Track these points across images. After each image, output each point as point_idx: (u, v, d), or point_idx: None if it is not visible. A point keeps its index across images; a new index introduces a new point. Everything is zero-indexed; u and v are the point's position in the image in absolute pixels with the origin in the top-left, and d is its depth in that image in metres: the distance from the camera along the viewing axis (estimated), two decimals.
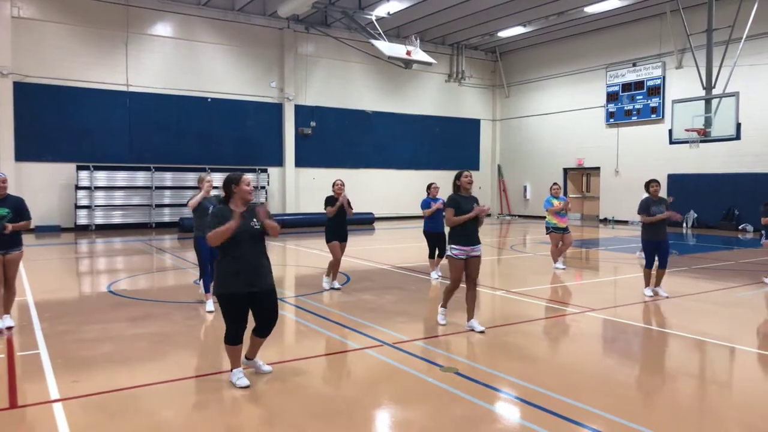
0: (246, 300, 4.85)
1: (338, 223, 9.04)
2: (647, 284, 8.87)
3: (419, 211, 10.54)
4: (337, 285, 9.35)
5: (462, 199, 6.67)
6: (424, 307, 8.35)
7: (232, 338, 4.90)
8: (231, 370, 5.03)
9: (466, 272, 6.71)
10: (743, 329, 7.29)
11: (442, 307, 7.08)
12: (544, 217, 11.83)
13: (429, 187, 10.50)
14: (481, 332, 6.62)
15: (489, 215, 6.75)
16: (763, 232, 10.33)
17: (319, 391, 5.00)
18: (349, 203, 9.02)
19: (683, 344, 6.45)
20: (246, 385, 4.88)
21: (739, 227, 20.03)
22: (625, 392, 4.93)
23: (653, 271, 8.84)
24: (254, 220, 4.95)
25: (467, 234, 6.64)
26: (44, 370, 5.31)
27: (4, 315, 6.82)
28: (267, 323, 5.04)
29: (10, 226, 6.57)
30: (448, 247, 6.75)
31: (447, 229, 6.99)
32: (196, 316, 7.58)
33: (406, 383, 5.10)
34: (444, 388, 4.91)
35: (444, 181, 11.12)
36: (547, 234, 11.79)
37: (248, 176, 5.18)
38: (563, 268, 11.51)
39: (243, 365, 5.13)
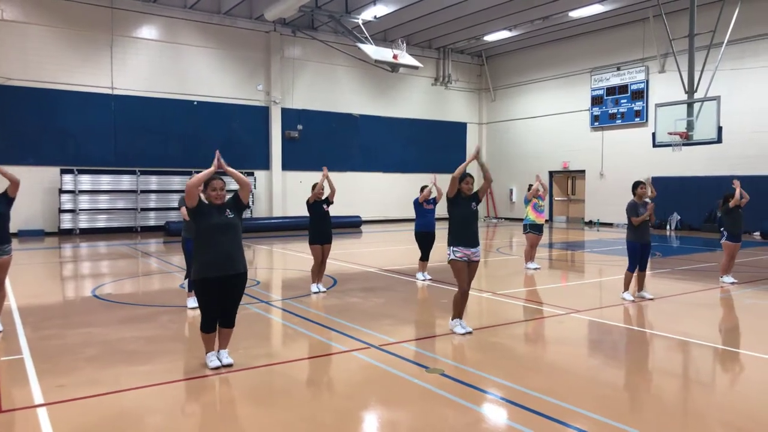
0: (217, 286, 5.25)
1: (320, 224, 9.12)
2: (627, 288, 8.75)
3: (406, 214, 10.59)
4: (322, 288, 9.35)
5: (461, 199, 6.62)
6: (410, 310, 8.38)
7: (206, 326, 5.39)
8: (206, 354, 5.50)
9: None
10: (725, 329, 7.40)
11: (457, 318, 6.72)
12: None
13: (423, 189, 10.42)
14: (468, 333, 6.64)
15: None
16: (724, 232, 10.36)
17: (306, 393, 5.01)
18: (327, 203, 9.16)
19: (667, 345, 6.53)
20: (215, 366, 5.37)
21: (722, 229, 20.25)
22: (610, 392, 4.99)
23: (634, 275, 8.87)
24: (227, 211, 5.39)
25: (469, 234, 6.54)
26: (28, 375, 5.27)
27: None
28: (228, 313, 5.45)
29: None
30: (449, 249, 6.59)
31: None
32: (182, 320, 7.55)
33: (392, 385, 5.12)
34: (430, 389, 4.94)
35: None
36: (524, 233, 11.86)
37: (218, 182, 5.39)
38: (537, 268, 11.62)
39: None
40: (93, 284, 10.50)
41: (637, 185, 8.75)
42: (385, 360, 5.76)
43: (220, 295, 5.31)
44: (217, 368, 5.37)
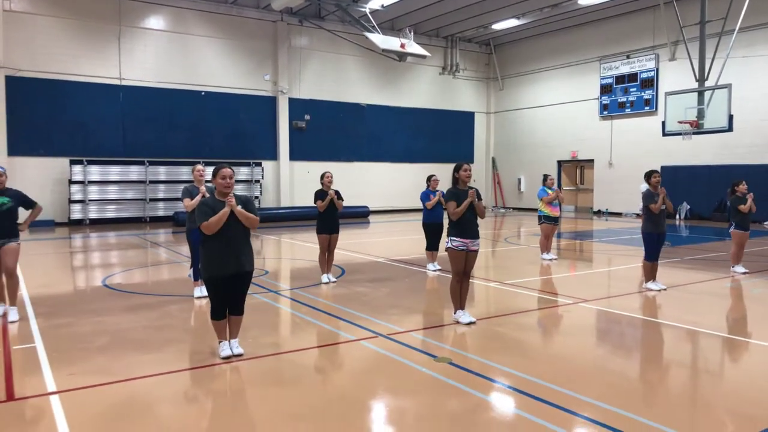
0: (225, 281, 5.34)
1: (328, 215, 9.16)
2: (650, 278, 8.69)
3: (414, 204, 10.62)
4: (332, 278, 9.38)
5: (462, 193, 6.64)
6: (418, 299, 8.40)
7: (216, 314, 5.45)
8: (219, 342, 5.55)
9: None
10: (734, 319, 7.38)
11: (460, 310, 6.77)
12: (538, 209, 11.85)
13: (429, 179, 10.62)
14: (472, 323, 6.65)
15: (480, 199, 6.71)
16: (732, 221, 10.25)
17: (315, 381, 5.05)
18: (339, 196, 9.16)
19: (675, 334, 6.51)
20: (226, 356, 5.40)
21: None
22: (617, 381, 4.99)
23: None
24: (238, 207, 5.32)
25: (467, 226, 6.61)
26: (41, 363, 5.34)
27: (10, 306, 6.87)
28: (236, 302, 5.51)
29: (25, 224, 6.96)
30: (447, 239, 6.73)
31: (446, 221, 7.02)
32: (191, 309, 7.61)
33: (400, 374, 5.15)
34: (438, 378, 4.97)
35: (439, 173, 11.15)
36: (539, 224, 11.78)
37: (226, 170, 5.38)
38: (554, 258, 11.58)
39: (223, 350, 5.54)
40: (103, 274, 10.58)
41: (651, 174, 8.63)
42: (393, 349, 5.78)
43: (227, 289, 5.38)
44: (227, 357, 5.40)
